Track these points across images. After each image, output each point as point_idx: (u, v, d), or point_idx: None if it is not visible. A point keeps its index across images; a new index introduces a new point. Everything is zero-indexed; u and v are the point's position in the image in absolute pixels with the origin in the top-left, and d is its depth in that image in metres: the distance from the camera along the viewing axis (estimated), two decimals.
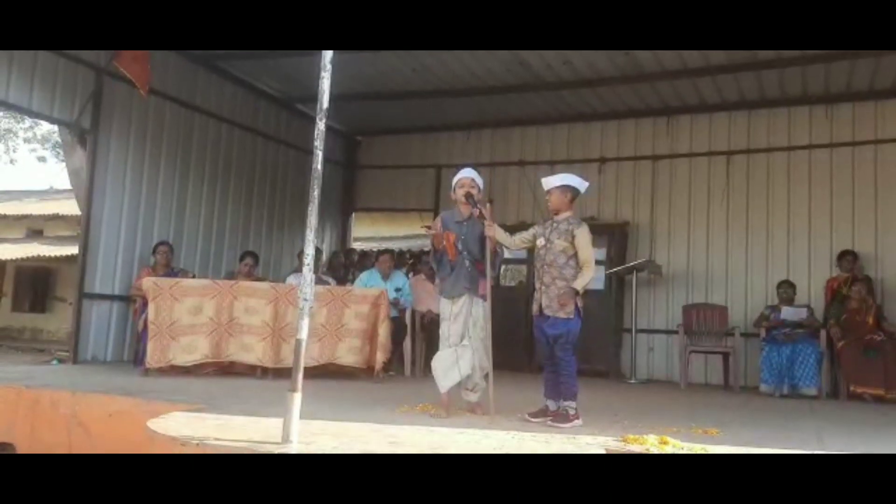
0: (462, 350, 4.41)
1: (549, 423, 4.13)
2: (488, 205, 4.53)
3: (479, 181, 4.62)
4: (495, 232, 4.39)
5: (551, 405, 4.27)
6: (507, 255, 5.31)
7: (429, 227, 4.71)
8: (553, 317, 4.25)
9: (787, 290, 7.45)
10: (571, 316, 4.22)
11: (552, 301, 4.25)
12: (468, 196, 4.53)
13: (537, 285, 4.40)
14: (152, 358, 5.83)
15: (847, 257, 7.65)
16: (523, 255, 7.86)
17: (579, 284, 4.21)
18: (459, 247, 4.49)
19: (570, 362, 4.24)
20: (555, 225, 4.37)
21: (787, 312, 7.22)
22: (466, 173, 4.63)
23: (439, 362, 4.46)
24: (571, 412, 4.15)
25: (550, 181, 4.41)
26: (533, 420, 4.21)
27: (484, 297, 4.44)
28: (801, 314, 7.23)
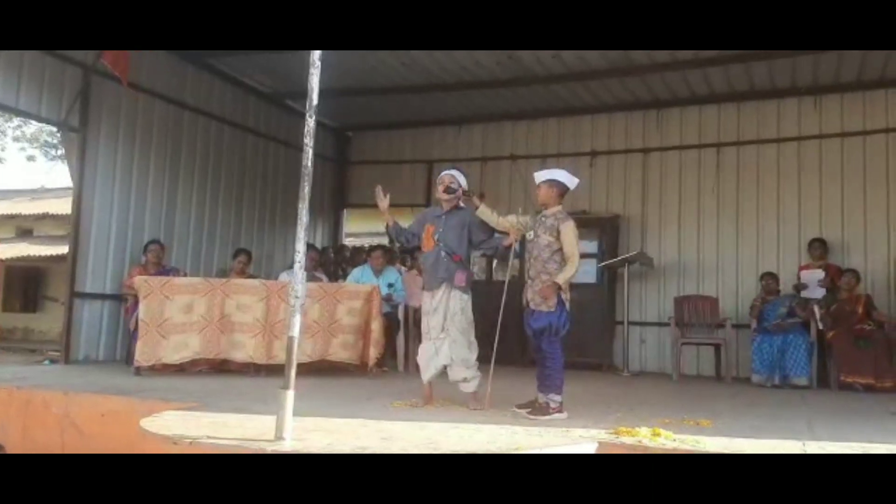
0: (440, 343, 4.54)
1: (527, 414, 4.15)
2: (475, 198, 4.64)
3: (460, 178, 4.74)
4: (483, 211, 4.55)
5: (541, 398, 4.29)
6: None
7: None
8: (536, 310, 4.29)
9: (769, 282, 7.50)
10: (553, 309, 4.25)
11: (536, 294, 4.28)
12: (447, 189, 4.68)
13: (525, 279, 4.46)
14: (141, 356, 5.79)
15: (815, 244, 7.75)
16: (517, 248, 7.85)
17: (561, 279, 4.24)
18: (437, 238, 4.65)
19: (554, 356, 4.26)
20: (543, 219, 4.41)
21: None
22: (446, 171, 4.80)
23: (421, 355, 4.70)
24: (553, 405, 4.18)
25: (539, 175, 4.47)
26: (521, 412, 4.24)
27: (462, 289, 4.54)
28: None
